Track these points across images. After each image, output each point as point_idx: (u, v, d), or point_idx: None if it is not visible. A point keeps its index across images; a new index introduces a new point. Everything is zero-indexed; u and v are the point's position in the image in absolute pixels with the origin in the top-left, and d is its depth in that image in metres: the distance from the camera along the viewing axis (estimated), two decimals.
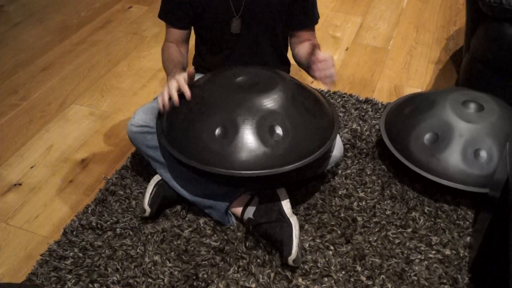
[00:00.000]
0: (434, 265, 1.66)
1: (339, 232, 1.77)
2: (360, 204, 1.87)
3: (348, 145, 2.13)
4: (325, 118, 1.73)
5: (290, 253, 1.58)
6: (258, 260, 1.67)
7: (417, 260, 1.68)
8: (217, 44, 1.90)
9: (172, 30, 1.92)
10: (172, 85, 1.65)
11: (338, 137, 1.85)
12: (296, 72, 2.63)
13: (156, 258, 1.69)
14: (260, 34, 1.87)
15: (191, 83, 1.76)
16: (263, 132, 1.58)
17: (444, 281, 1.62)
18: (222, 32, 1.86)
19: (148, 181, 1.85)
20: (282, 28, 1.93)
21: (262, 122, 1.59)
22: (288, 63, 2.07)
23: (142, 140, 1.79)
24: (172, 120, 1.69)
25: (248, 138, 1.57)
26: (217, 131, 1.59)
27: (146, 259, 1.69)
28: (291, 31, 1.96)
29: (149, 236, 1.76)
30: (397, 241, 1.74)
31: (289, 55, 2.03)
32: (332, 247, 1.72)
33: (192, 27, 1.96)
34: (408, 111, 2.03)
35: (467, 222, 1.80)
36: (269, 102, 1.63)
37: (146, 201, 1.77)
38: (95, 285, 1.62)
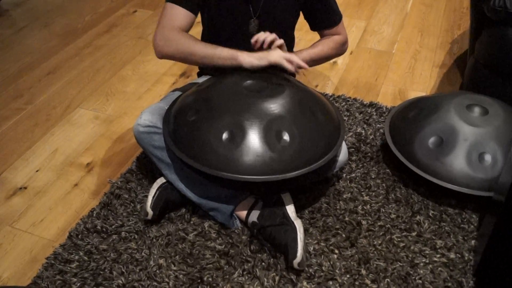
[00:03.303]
0: (439, 268, 1.66)
1: (343, 235, 1.77)
2: (365, 207, 1.87)
3: (353, 149, 2.13)
4: (331, 123, 1.73)
5: (295, 256, 1.58)
6: (263, 263, 1.67)
7: (421, 264, 1.67)
8: (234, 44, 1.89)
9: (179, 13, 1.78)
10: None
11: (343, 142, 1.86)
12: (300, 76, 2.64)
13: (161, 261, 1.69)
14: (276, 34, 1.88)
15: (198, 86, 1.77)
16: (270, 137, 1.58)
17: (449, 284, 1.61)
18: (240, 33, 1.88)
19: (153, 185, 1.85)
20: (292, 28, 2.02)
21: (269, 127, 1.59)
22: None
23: (148, 141, 1.79)
24: (180, 122, 1.70)
25: (255, 143, 1.57)
26: (224, 135, 1.59)
27: (151, 263, 1.69)
28: (313, 30, 2.04)
29: (154, 240, 1.76)
30: (401, 244, 1.74)
31: None
32: (336, 251, 1.72)
33: (204, 28, 1.99)
34: (413, 115, 2.03)
35: (472, 226, 1.80)
36: (277, 107, 1.63)
37: (149, 204, 1.77)
38: None
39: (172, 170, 1.80)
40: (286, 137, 1.60)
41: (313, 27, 2.03)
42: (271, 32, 1.81)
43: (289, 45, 2.04)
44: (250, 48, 1.85)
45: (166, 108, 1.82)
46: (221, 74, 1.81)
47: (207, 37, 1.98)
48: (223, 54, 1.75)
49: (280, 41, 1.76)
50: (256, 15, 1.86)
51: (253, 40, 1.75)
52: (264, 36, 1.74)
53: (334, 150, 1.68)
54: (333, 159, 1.81)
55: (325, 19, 1.98)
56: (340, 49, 2.04)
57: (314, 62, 1.97)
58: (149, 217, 1.78)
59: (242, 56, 1.73)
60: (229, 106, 1.64)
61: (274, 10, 1.88)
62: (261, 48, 1.77)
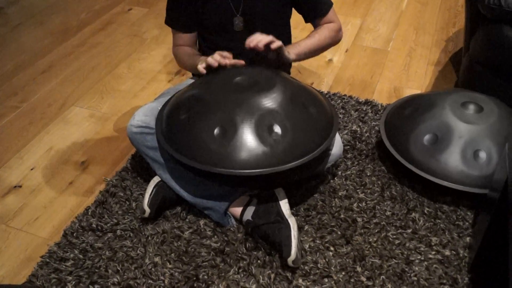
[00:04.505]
0: (434, 265, 1.66)
1: (339, 233, 1.77)
2: (360, 205, 1.88)
3: (348, 147, 2.13)
4: (324, 116, 1.73)
5: (289, 254, 1.58)
6: (259, 261, 1.67)
7: (417, 261, 1.68)
8: (222, 43, 1.90)
9: (179, 35, 1.97)
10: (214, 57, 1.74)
11: (337, 135, 1.85)
12: (296, 73, 2.64)
13: (157, 259, 1.69)
14: (263, 30, 1.88)
15: (190, 84, 1.78)
16: (262, 131, 1.58)
17: (444, 281, 1.62)
18: (225, 31, 1.88)
19: (148, 183, 1.85)
20: (284, 24, 1.99)
21: (261, 121, 1.59)
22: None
23: (141, 141, 1.79)
24: (171, 121, 1.70)
25: (247, 137, 1.57)
26: (216, 131, 1.59)
27: (147, 261, 1.69)
28: (306, 22, 2.01)
29: (150, 238, 1.76)
30: (397, 241, 1.74)
31: None
32: (332, 248, 1.72)
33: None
34: (408, 112, 2.03)
35: (467, 223, 1.80)
36: (268, 101, 1.63)
37: (146, 202, 1.77)
38: (96, 286, 1.62)
39: (166, 170, 1.80)
40: (278, 131, 1.60)
41: (306, 19, 2.01)
42: (259, 30, 1.81)
43: (285, 43, 2.03)
44: (238, 46, 1.86)
45: (159, 108, 1.83)
46: (213, 71, 1.81)
47: (200, 40, 1.99)
48: (194, 64, 1.83)
49: (278, 43, 1.74)
50: (239, 12, 1.85)
51: (247, 42, 1.73)
52: (259, 39, 1.72)
53: (326, 142, 1.67)
54: (326, 152, 1.81)
55: (315, 8, 1.94)
56: (336, 37, 2.00)
57: (311, 53, 1.94)
58: (146, 215, 1.78)
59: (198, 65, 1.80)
60: (220, 102, 1.64)
61: (257, 6, 1.86)
62: (255, 50, 1.76)
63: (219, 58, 1.73)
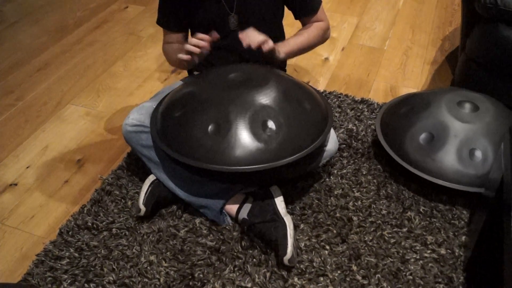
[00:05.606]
0: (429, 264, 1.67)
1: (334, 231, 1.77)
2: (356, 203, 1.88)
3: (344, 145, 2.13)
4: (318, 112, 1.73)
5: (285, 252, 1.58)
6: (254, 259, 1.67)
7: (412, 260, 1.68)
8: (215, 42, 1.91)
9: (171, 35, 1.97)
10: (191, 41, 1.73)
11: (332, 131, 1.86)
12: (292, 72, 2.64)
13: (152, 258, 1.69)
14: (257, 28, 1.88)
15: (185, 82, 1.78)
16: (256, 127, 1.58)
17: (439, 280, 1.62)
18: (219, 30, 1.88)
19: (144, 181, 1.85)
20: (277, 21, 1.99)
21: (255, 117, 1.59)
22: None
23: (137, 140, 1.79)
24: (166, 119, 1.70)
25: (241, 134, 1.57)
26: (210, 128, 1.59)
27: (142, 259, 1.69)
28: (296, 19, 2.01)
29: (145, 236, 1.76)
30: (392, 240, 1.74)
31: None
32: (327, 247, 1.72)
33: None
34: (404, 111, 2.04)
35: (462, 222, 1.81)
36: (262, 97, 1.63)
37: (141, 200, 1.77)
38: (91, 285, 1.62)
39: (161, 169, 1.80)
40: (272, 126, 1.60)
41: (295, 16, 2.01)
42: (255, 27, 1.81)
43: (279, 39, 2.03)
44: (233, 44, 1.86)
45: (154, 106, 1.83)
46: (207, 69, 1.81)
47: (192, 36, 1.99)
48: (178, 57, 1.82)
49: (270, 45, 1.75)
50: (233, 11, 1.85)
51: (241, 36, 1.74)
52: (254, 37, 1.73)
53: (321, 138, 1.67)
54: (321, 148, 1.81)
55: (304, 6, 1.95)
56: (324, 36, 2.00)
57: (300, 51, 1.95)
58: (142, 213, 1.77)
59: None
60: (214, 99, 1.64)
61: (251, 4, 1.86)
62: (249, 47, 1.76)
63: (196, 42, 1.73)
